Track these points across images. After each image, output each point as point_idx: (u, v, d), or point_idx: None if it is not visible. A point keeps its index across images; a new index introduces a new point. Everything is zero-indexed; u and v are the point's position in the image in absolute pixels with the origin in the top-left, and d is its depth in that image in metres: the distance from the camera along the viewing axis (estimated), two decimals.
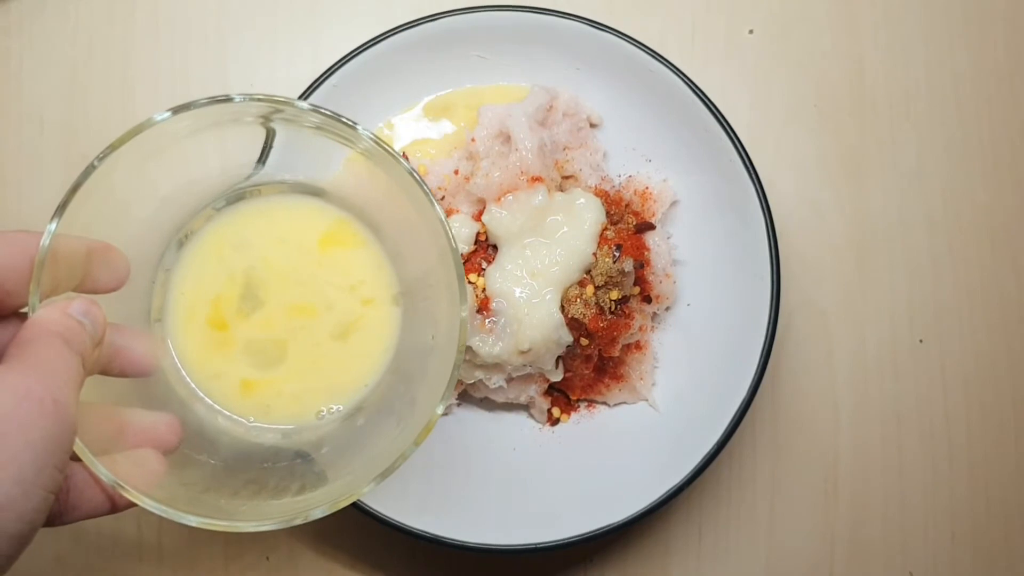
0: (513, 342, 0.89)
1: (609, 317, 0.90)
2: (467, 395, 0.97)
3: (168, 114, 0.64)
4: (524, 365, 0.91)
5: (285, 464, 0.74)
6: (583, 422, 0.97)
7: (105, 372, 0.66)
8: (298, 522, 0.63)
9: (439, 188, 0.96)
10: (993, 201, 1.05)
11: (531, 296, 0.89)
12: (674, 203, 0.98)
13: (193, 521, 0.62)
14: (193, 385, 0.75)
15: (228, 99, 0.65)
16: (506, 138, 0.94)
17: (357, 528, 0.97)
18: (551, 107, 0.97)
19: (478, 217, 0.93)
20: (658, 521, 1.00)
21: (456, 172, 0.96)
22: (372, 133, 0.68)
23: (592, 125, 1.00)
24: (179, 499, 0.63)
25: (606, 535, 0.90)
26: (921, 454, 1.02)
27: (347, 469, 0.72)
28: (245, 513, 0.66)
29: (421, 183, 0.68)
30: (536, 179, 0.92)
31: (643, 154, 0.99)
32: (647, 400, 0.96)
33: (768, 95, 1.06)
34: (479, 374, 0.92)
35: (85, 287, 0.65)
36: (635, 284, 0.93)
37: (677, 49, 1.05)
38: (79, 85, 1.03)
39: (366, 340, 0.77)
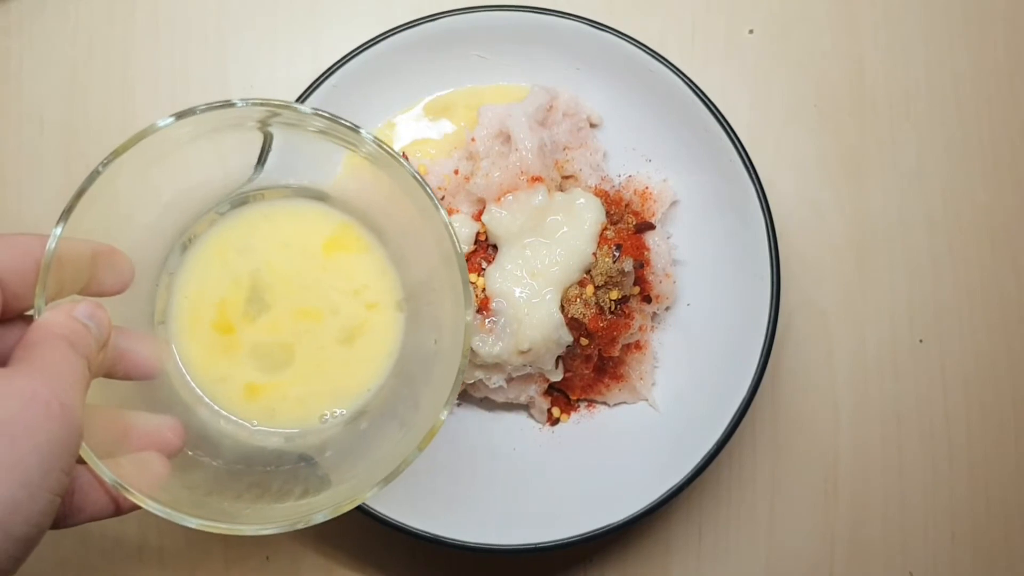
0: (513, 342, 0.89)
1: (609, 317, 0.91)
2: (467, 395, 0.97)
3: (171, 119, 0.64)
4: (524, 365, 0.91)
5: (288, 467, 0.74)
6: (583, 422, 0.97)
7: (109, 375, 0.66)
8: (301, 526, 0.64)
9: (439, 188, 0.96)
10: (993, 201, 1.05)
11: (531, 296, 0.89)
12: (674, 203, 0.98)
13: (196, 524, 0.62)
14: (197, 388, 0.75)
15: (231, 104, 0.65)
16: (506, 138, 0.94)
17: (358, 528, 0.97)
18: (551, 107, 0.97)
19: (478, 217, 0.93)
20: (658, 521, 1.00)
21: (456, 172, 0.96)
22: (375, 137, 0.68)
23: (592, 125, 1.00)
24: (182, 502, 0.64)
25: (606, 535, 0.90)
26: (921, 454, 1.02)
27: (350, 473, 0.72)
28: (248, 516, 0.66)
29: (425, 186, 0.68)
30: (536, 179, 0.92)
31: (643, 154, 0.99)
32: (647, 400, 0.96)
33: (768, 95, 1.06)
34: (479, 374, 0.92)
35: (90, 290, 0.65)
36: (635, 284, 0.93)
37: (677, 49, 1.05)
38: (79, 85, 1.03)
39: (370, 345, 0.78)
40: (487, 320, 0.89)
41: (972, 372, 1.03)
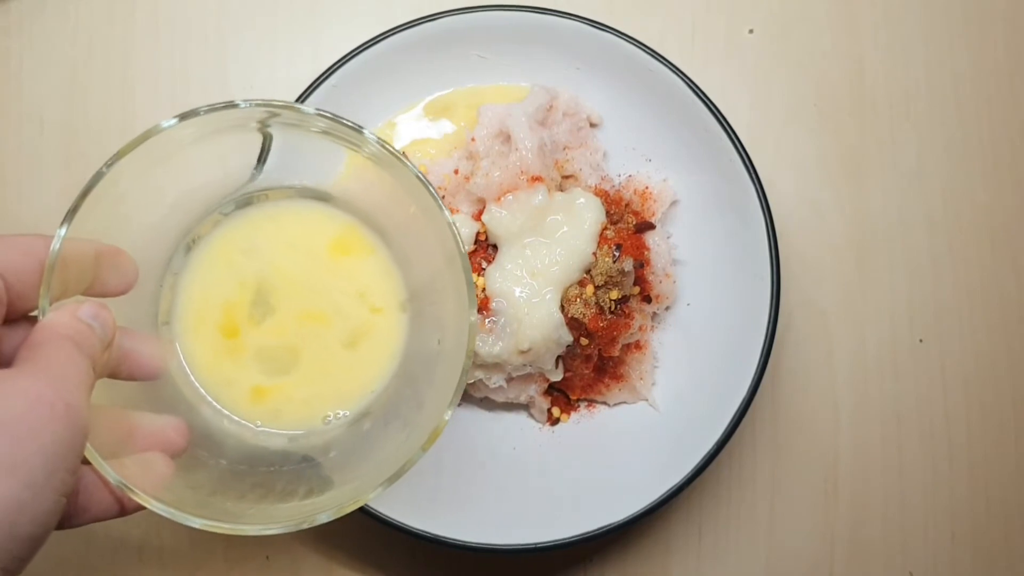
0: (513, 342, 0.89)
1: (609, 317, 0.91)
2: (467, 395, 0.96)
3: (175, 120, 0.64)
4: (524, 365, 0.91)
5: (292, 468, 0.74)
6: (583, 422, 0.97)
7: (114, 375, 0.66)
8: (304, 526, 0.64)
9: (439, 188, 0.96)
10: (993, 201, 1.05)
11: (531, 296, 0.89)
12: (674, 203, 0.98)
13: (200, 524, 0.62)
14: (202, 389, 0.75)
15: (234, 105, 0.65)
16: (506, 138, 0.94)
17: (358, 528, 0.97)
18: (551, 107, 0.97)
19: (478, 217, 0.93)
20: (658, 521, 1.00)
21: (456, 172, 0.96)
22: (379, 137, 0.67)
23: (592, 125, 1.00)
24: (186, 502, 0.64)
25: (606, 535, 0.90)
26: (921, 454, 1.02)
27: (354, 474, 0.72)
28: (251, 516, 0.66)
29: (428, 186, 0.68)
30: (536, 179, 0.92)
31: (643, 154, 0.99)
32: (647, 400, 0.96)
33: (768, 95, 1.06)
34: (479, 374, 0.92)
35: (94, 291, 0.65)
36: (635, 284, 0.93)
37: (677, 49, 1.05)
38: (79, 85, 1.03)
39: (374, 347, 0.77)
40: (487, 320, 0.89)
41: (972, 372, 1.03)
